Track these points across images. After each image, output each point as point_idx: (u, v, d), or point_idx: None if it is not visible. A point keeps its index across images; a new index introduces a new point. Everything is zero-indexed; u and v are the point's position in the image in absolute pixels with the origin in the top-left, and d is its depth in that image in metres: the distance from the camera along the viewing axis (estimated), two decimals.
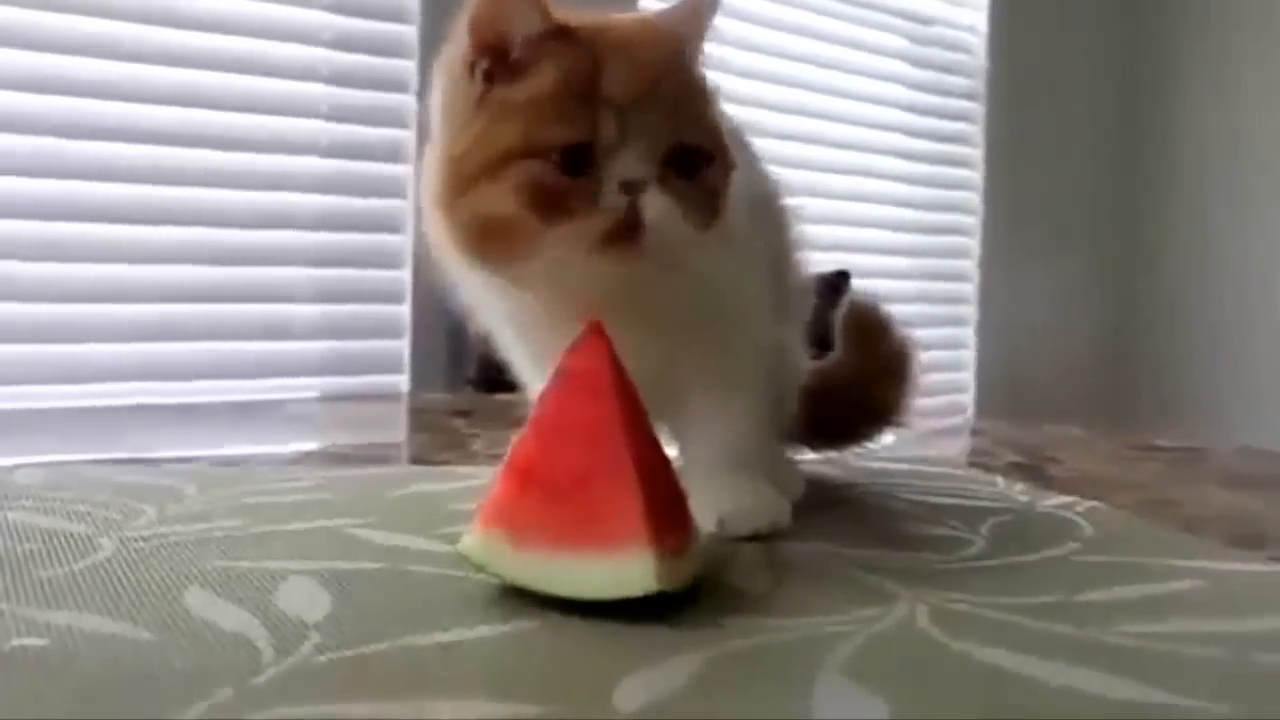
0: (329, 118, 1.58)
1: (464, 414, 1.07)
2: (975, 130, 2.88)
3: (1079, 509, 0.65)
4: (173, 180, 1.46)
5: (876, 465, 0.77)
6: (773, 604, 0.47)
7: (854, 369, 0.71)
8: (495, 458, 0.75)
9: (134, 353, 1.43)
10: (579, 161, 0.47)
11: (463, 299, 0.59)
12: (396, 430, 1.09)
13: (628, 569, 0.43)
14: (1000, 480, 0.74)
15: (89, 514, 0.57)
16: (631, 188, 0.47)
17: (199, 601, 0.44)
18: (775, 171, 0.66)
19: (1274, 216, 2.91)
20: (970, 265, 2.91)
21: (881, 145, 2.59)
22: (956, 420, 2.49)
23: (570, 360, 0.47)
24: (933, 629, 0.43)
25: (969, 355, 2.91)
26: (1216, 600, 0.48)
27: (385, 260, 1.61)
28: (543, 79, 0.48)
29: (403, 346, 1.63)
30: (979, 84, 2.86)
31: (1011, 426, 1.27)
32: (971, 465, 0.85)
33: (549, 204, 0.47)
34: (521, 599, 0.44)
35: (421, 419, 1.16)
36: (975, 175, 2.89)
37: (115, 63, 1.41)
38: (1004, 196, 2.92)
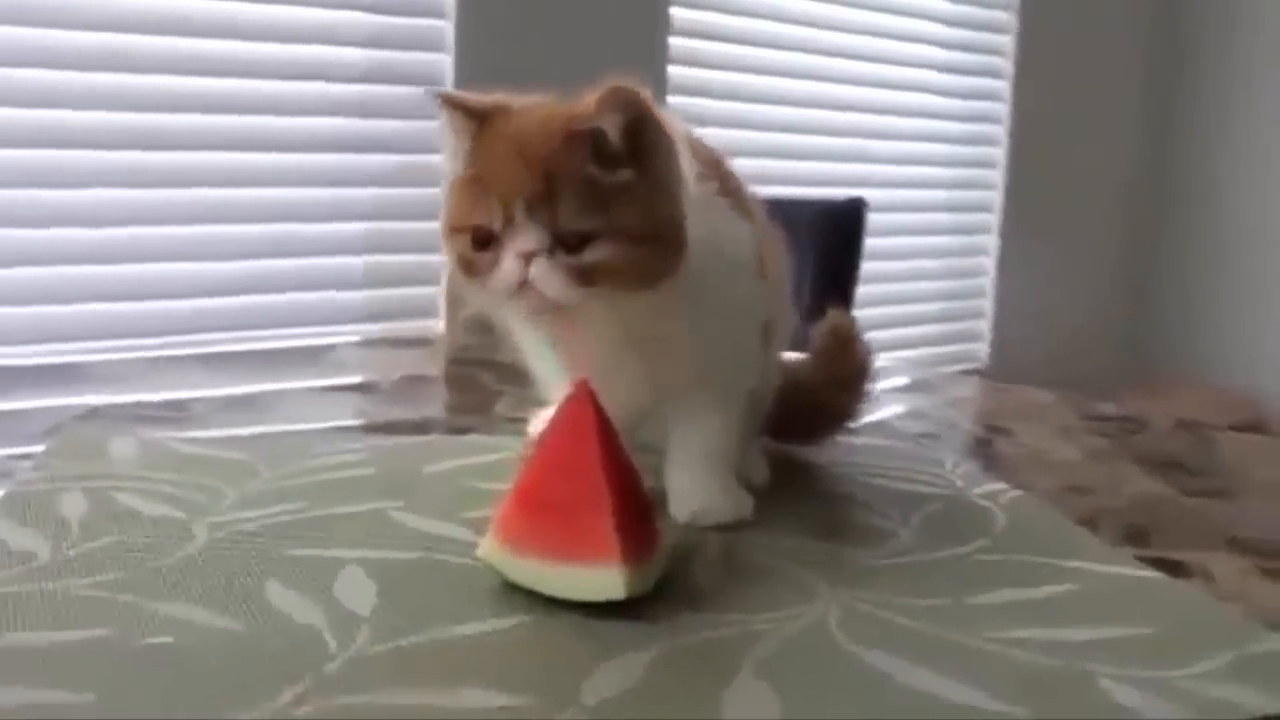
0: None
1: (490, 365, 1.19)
2: (1002, 85, 3.06)
3: (1002, 499, 0.77)
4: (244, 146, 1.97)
5: (844, 440, 0.89)
6: (719, 600, 0.59)
7: (823, 374, 0.82)
8: (514, 421, 0.89)
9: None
10: (488, 238, 0.62)
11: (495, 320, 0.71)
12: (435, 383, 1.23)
13: (602, 578, 0.56)
14: (948, 462, 0.86)
15: (181, 497, 0.71)
16: (525, 257, 0.61)
17: (277, 593, 0.57)
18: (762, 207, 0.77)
19: None
20: (992, 215, 3.11)
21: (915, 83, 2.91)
22: (950, 370, 2.64)
23: (562, 408, 0.60)
24: (838, 632, 0.55)
25: (986, 303, 3.15)
26: (1076, 607, 0.60)
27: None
28: (470, 171, 0.64)
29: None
30: (1009, 40, 3.03)
31: (984, 386, 1.38)
32: (929, 436, 0.97)
33: (470, 268, 0.64)
34: (523, 595, 0.57)
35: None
36: (1000, 130, 3.10)
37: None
38: (1029, 151, 3.10)
